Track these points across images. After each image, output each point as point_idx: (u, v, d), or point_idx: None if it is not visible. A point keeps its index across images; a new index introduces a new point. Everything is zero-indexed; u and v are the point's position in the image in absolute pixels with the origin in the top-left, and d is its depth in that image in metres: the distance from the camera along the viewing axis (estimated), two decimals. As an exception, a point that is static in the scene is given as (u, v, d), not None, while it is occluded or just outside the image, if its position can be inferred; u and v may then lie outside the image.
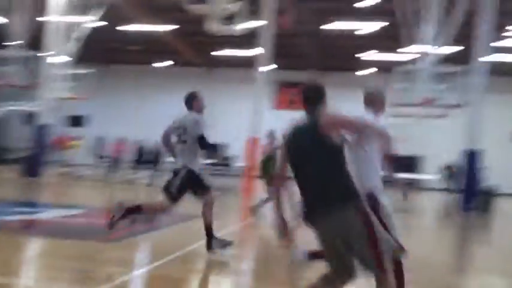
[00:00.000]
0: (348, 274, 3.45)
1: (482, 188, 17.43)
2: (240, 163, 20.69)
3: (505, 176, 25.57)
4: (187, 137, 6.59)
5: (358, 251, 3.34)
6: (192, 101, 6.81)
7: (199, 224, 9.95)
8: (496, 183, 20.20)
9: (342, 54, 29.63)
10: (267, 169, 10.98)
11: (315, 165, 3.49)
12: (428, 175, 29.72)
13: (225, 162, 20.77)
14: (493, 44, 23.35)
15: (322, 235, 3.46)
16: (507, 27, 22.26)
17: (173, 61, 32.47)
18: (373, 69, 30.25)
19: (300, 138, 3.58)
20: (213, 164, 20.83)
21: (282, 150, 3.71)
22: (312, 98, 3.68)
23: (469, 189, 16.98)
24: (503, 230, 13.33)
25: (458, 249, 10.04)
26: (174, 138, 6.85)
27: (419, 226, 12.75)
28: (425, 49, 19.29)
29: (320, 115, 3.56)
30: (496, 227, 14.13)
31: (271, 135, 11.69)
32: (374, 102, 4.58)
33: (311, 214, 3.48)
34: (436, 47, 19.26)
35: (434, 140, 28.94)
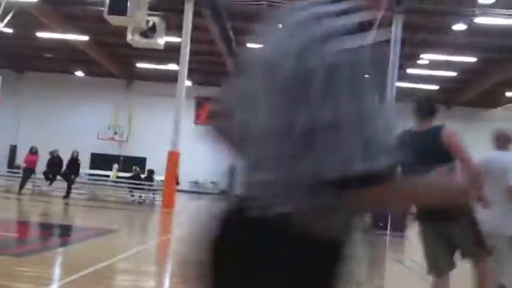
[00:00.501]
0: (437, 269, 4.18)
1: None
2: (160, 177, 20.53)
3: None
4: None
5: (464, 246, 4.09)
6: None
7: (114, 239, 9.85)
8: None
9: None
10: None
11: (432, 158, 3.80)
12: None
13: (146, 176, 20.53)
14: (409, 71, 24.87)
15: (430, 235, 4.14)
16: (421, 56, 23.71)
17: (92, 71, 31.80)
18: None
19: (422, 143, 3.88)
20: (133, 178, 20.54)
21: None
22: (428, 108, 4.21)
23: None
24: (418, 248, 14.00)
25: (374, 266, 10.50)
26: None
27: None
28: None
29: (444, 127, 4.08)
30: (411, 245, 14.81)
31: None
32: (507, 141, 5.30)
33: (429, 214, 3.94)
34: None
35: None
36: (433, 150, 3.86)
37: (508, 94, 28.22)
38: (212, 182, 32.99)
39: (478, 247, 4.09)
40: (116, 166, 26.15)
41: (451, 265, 4.23)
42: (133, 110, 31.72)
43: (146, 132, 31.40)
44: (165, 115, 24.91)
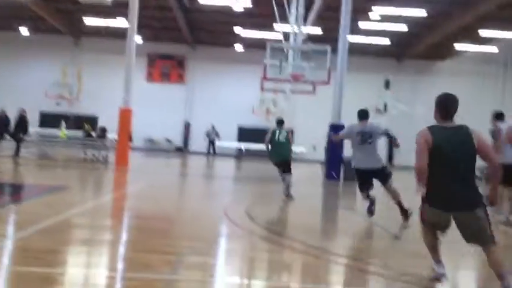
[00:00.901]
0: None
1: (346, 158, 18.54)
2: (112, 135, 20.22)
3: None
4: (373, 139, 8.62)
5: (478, 232, 4.57)
6: (368, 115, 8.86)
7: (67, 196, 9.74)
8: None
9: (216, 29, 29.81)
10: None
11: (468, 163, 4.60)
12: (299, 147, 31.10)
13: (99, 134, 20.18)
14: (361, 25, 24.95)
15: (445, 216, 4.62)
16: (372, 9, 23.77)
17: (38, 28, 30.59)
18: (248, 45, 30.87)
19: (457, 140, 4.60)
20: (86, 136, 20.20)
21: (425, 146, 4.60)
22: (454, 108, 4.72)
23: (333, 160, 18.15)
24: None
25: (327, 214, 10.76)
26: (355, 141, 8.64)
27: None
28: (294, 28, 20.06)
29: (473, 131, 4.65)
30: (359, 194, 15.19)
31: None
32: None
33: (449, 199, 4.56)
34: (304, 26, 20.14)
35: (304, 114, 30.41)
36: (470, 151, 4.61)
37: (456, 46, 28.81)
38: (167, 139, 32.76)
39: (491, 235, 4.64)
40: (63, 124, 25.55)
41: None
42: (82, 68, 30.85)
43: (97, 90, 30.74)
44: (116, 72, 24.34)
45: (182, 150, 32.49)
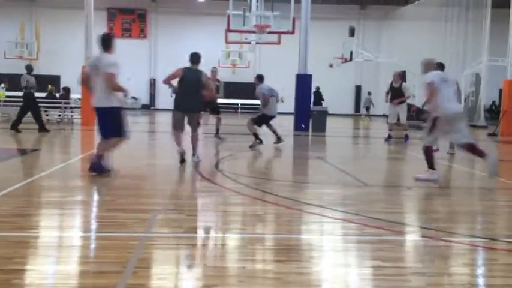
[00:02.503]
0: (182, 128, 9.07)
1: (315, 109, 18.67)
2: (76, 95, 19.83)
3: (330, 98, 27.77)
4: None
5: (192, 123, 9.11)
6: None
7: (35, 159, 9.58)
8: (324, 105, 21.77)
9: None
10: None
11: (196, 87, 8.87)
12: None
13: (61, 94, 19.75)
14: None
15: (183, 115, 8.92)
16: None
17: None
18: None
19: (193, 74, 8.91)
20: (47, 97, 19.76)
21: (179, 76, 8.92)
22: (196, 60, 9.04)
23: (301, 111, 18.23)
24: (335, 146, 14.64)
25: (298, 164, 10.89)
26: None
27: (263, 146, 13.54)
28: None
29: (202, 72, 9.04)
30: (330, 144, 15.38)
31: None
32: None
33: (186, 106, 8.94)
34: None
35: (270, 66, 30.23)
36: (199, 81, 9.06)
37: (419, -9, 28.85)
38: (133, 97, 32.30)
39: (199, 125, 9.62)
40: (1, 85, 24.96)
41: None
42: (40, 25, 29.88)
43: (57, 49, 29.92)
44: (76, 29, 23.69)
45: (149, 107, 32.14)
